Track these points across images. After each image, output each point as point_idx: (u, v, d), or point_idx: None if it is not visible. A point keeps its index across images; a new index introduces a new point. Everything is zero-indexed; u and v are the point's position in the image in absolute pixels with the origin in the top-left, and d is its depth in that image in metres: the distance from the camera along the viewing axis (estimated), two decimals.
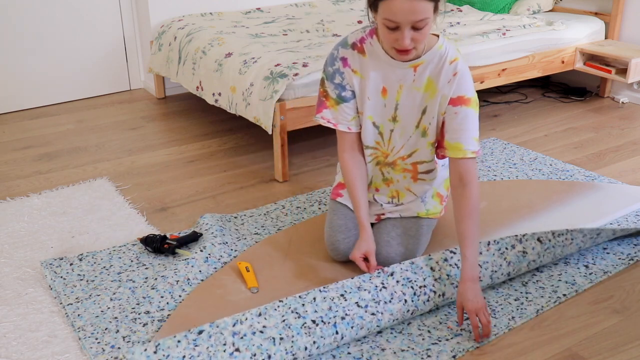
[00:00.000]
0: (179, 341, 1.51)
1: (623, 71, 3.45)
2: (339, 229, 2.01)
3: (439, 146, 1.93)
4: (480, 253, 1.87)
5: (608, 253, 2.12)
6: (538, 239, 1.96)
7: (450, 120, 1.83)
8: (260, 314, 1.60)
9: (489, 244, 1.90)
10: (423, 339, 1.72)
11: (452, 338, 1.73)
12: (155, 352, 1.48)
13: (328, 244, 2.03)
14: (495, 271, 1.88)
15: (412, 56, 1.79)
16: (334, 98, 1.94)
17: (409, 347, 1.69)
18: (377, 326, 1.70)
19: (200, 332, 1.54)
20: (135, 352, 1.47)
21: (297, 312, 1.63)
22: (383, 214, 2.07)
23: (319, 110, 1.97)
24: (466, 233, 1.75)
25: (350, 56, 1.89)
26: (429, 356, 1.66)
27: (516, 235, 1.95)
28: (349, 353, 1.67)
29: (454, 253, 1.86)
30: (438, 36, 1.84)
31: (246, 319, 1.59)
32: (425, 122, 1.90)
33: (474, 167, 1.82)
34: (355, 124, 1.97)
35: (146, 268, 2.05)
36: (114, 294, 1.92)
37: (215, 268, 2.03)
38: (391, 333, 1.74)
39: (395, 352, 1.67)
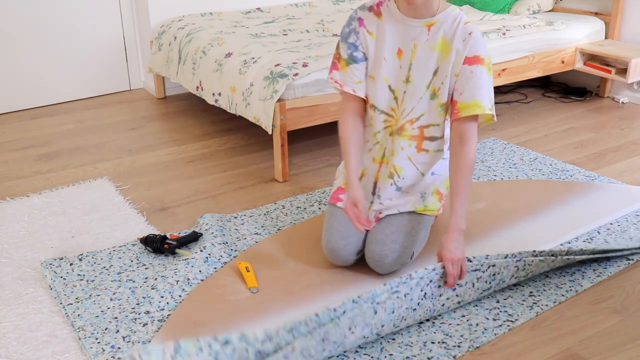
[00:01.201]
0: (200, 348, 1.42)
1: (623, 71, 3.45)
2: (340, 235, 1.98)
3: (450, 113, 1.96)
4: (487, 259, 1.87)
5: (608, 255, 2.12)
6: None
7: (466, 80, 1.87)
8: (291, 330, 1.50)
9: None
10: (424, 340, 1.72)
11: (452, 338, 1.73)
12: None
13: (327, 250, 2.00)
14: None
15: (419, 3, 1.83)
16: (345, 58, 2.00)
17: (408, 347, 1.69)
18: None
19: (226, 343, 1.43)
20: (152, 354, 1.38)
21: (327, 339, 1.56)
22: (381, 212, 2.04)
23: (330, 71, 2.03)
24: (458, 187, 1.84)
25: (366, 17, 1.97)
26: (429, 358, 1.66)
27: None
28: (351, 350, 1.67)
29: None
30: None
31: (277, 333, 1.48)
32: (435, 84, 1.93)
33: (475, 128, 1.89)
34: (362, 88, 2.01)
35: (146, 268, 2.05)
36: (114, 294, 1.92)
37: (215, 268, 2.03)
38: (392, 333, 1.74)
39: (393, 354, 1.67)
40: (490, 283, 1.86)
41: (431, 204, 2.05)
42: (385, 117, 2.01)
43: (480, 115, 1.91)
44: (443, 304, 1.79)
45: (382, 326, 1.67)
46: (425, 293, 1.73)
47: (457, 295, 1.80)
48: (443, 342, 1.71)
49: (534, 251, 1.90)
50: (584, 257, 1.99)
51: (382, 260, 1.93)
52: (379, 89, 1.99)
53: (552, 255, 1.93)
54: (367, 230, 2.01)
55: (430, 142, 2.01)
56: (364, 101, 2.04)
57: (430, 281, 1.73)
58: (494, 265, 1.84)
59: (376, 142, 2.05)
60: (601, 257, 2.09)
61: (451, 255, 1.74)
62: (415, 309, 1.72)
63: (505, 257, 1.85)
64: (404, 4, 1.88)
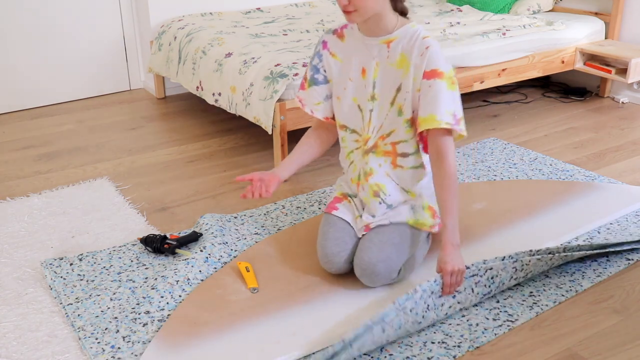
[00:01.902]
0: None
1: (623, 71, 3.45)
2: (335, 242, 1.95)
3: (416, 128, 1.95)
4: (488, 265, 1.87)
5: (608, 253, 2.12)
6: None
7: (425, 95, 1.85)
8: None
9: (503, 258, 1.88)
10: (424, 340, 1.72)
11: (452, 338, 1.73)
12: None
13: (321, 256, 1.97)
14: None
15: (357, 19, 1.83)
16: (308, 80, 2.06)
17: (408, 347, 1.69)
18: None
19: None
20: None
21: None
22: (372, 222, 2.00)
23: (298, 90, 2.10)
24: (445, 203, 1.85)
25: (329, 40, 2.02)
26: (429, 358, 1.66)
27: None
28: None
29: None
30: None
31: None
32: (399, 100, 1.92)
33: (450, 142, 1.87)
34: (321, 109, 2.06)
35: (146, 268, 2.05)
36: (114, 294, 1.92)
37: (215, 268, 2.03)
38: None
39: (393, 354, 1.67)
40: (490, 287, 1.86)
41: (423, 218, 2.01)
42: (356, 137, 2.02)
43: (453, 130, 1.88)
44: (446, 313, 1.79)
45: (388, 341, 1.68)
46: (429, 305, 1.73)
47: (458, 302, 1.80)
48: (443, 342, 1.71)
49: (531, 251, 1.90)
50: (582, 252, 1.99)
51: (368, 268, 1.88)
52: (347, 109, 2.00)
53: (550, 253, 1.93)
54: (360, 239, 2.00)
55: (403, 158, 1.99)
56: (330, 118, 2.08)
57: (432, 292, 1.73)
58: (491, 269, 1.84)
59: (351, 162, 2.05)
60: (601, 257, 2.09)
61: (450, 267, 1.74)
62: (420, 322, 1.72)
63: (503, 260, 1.85)
64: (360, 23, 1.90)
